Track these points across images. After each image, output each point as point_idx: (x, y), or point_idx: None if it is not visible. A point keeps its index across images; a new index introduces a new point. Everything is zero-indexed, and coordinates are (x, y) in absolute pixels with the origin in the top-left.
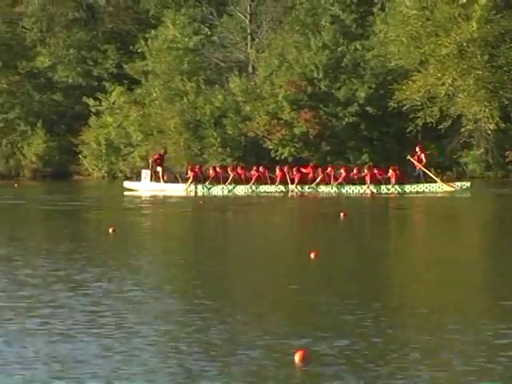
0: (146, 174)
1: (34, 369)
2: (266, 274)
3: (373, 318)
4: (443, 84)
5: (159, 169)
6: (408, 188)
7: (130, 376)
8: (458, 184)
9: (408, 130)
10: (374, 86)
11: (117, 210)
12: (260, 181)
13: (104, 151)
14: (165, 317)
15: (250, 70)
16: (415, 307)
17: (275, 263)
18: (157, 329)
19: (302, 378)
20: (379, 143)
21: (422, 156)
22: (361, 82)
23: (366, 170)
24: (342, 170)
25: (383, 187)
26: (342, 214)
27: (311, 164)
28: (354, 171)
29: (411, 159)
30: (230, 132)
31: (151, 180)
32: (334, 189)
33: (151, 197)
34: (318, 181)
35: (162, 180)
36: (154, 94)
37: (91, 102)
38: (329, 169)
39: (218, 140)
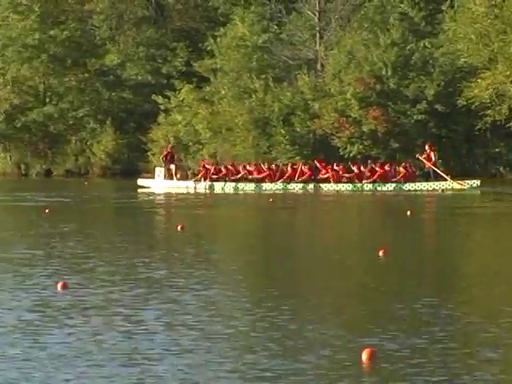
0: (159, 171)
1: (114, 365)
2: (334, 271)
3: (445, 317)
4: None
5: (172, 166)
6: (419, 186)
7: (203, 373)
8: (468, 182)
9: (477, 128)
10: (442, 83)
11: (185, 207)
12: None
13: None
14: (237, 314)
15: (319, 67)
16: (490, 306)
17: (344, 260)
18: (229, 325)
19: (369, 376)
20: (448, 141)
21: (432, 154)
22: (429, 79)
23: (377, 168)
24: (355, 168)
25: (390, 185)
26: (408, 212)
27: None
28: (363, 169)
29: (420, 158)
30: (299, 129)
31: (165, 178)
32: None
33: (196, 195)
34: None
35: (175, 177)
36: (223, 92)
37: (160, 99)
38: (340, 166)
39: (287, 137)
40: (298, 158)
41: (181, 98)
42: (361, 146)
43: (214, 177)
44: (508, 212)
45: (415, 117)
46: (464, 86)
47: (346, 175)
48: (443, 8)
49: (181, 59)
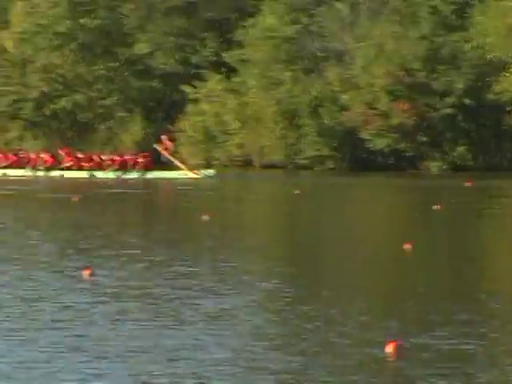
0: None
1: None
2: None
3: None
4: None
5: None
6: (155, 174)
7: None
8: (203, 171)
9: (505, 123)
10: (471, 77)
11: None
12: None
13: (200, 139)
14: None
15: (348, 59)
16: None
17: None
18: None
19: (393, 370)
20: (476, 135)
21: (169, 144)
22: (458, 73)
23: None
24: (95, 157)
25: (131, 173)
26: (436, 206)
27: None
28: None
29: (158, 147)
30: (327, 121)
31: None
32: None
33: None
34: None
35: None
36: (252, 83)
37: (188, 89)
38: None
39: (314, 129)
40: (326, 149)
41: (209, 88)
42: (389, 139)
43: None
44: None
45: (444, 110)
46: (493, 81)
47: (87, 164)
48: (473, 2)
49: (210, 49)
